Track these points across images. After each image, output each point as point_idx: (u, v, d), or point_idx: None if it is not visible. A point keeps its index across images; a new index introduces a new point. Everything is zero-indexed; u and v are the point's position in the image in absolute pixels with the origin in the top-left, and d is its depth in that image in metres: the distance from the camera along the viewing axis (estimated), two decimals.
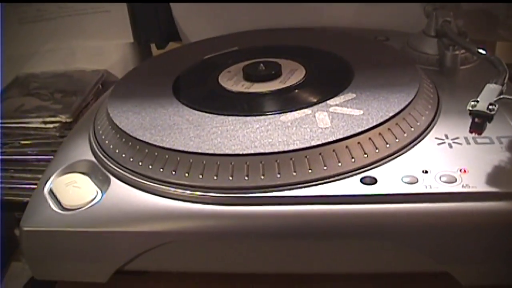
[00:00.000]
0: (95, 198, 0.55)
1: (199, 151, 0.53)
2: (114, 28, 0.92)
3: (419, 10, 0.77)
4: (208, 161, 0.52)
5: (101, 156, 0.59)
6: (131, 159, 0.56)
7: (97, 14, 0.91)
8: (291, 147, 0.52)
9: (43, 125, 0.78)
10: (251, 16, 0.87)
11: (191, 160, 0.52)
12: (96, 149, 0.60)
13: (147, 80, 0.71)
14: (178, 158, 0.53)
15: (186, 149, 0.53)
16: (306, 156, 0.51)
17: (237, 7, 0.87)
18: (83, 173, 0.59)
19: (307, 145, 0.52)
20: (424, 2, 0.73)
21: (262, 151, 0.52)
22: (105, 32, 0.92)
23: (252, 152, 0.52)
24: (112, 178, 0.56)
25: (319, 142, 0.52)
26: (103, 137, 0.60)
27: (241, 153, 0.52)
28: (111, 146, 0.58)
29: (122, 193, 0.54)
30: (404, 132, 0.55)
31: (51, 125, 0.78)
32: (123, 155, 0.57)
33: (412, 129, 0.55)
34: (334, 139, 0.52)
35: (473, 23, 0.81)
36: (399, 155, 0.54)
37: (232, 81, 0.66)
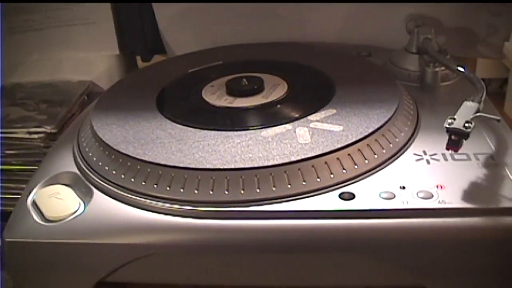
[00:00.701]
0: (77, 210, 0.55)
1: (181, 165, 0.53)
2: (100, 39, 0.92)
3: (402, 27, 0.78)
4: (189, 175, 0.53)
5: (85, 168, 0.59)
6: (114, 172, 0.56)
7: (84, 26, 0.92)
8: (271, 163, 0.52)
9: (27, 136, 0.78)
10: (236, 30, 0.88)
11: (172, 174, 0.53)
12: (79, 161, 0.60)
13: (131, 93, 0.71)
14: (160, 172, 0.54)
15: (167, 163, 0.54)
16: (285, 172, 0.52)
17: (222, 21, 0.88)
18: (66, 185, 0.59)
19: (287, 160, 0.52)
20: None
21: (242, 166, 0.52)
22: (91, 43, 0.93)
23: (233, 167, 0.52)
24: (95, 191, 0.56)
25: (299, 158, 0.52)
26: (86, 149, 0.61)
27: (221, 167, 0.52)
28: (95, 159, 0.59)
29: (104, 205, 0.55)
30: (383, 148, 0.55)
31: (36, 136, 0.78)
32: (106, 168, 0.57)
33: (391, 145, 0.56)
34: (314, 154, 0.53)
35: (454, 39, 0.82)
36: (378, 171, 0.54)
37: (215, 96, 0.66)
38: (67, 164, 0.62)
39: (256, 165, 0.52)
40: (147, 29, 0.91)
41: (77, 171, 0.60)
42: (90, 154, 0.60)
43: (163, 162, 0.54)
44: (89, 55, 0.93)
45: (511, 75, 1.00)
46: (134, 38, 0.92)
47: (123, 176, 0.55)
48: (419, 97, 0.67)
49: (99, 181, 0.57)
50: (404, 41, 0.75)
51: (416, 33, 0.73)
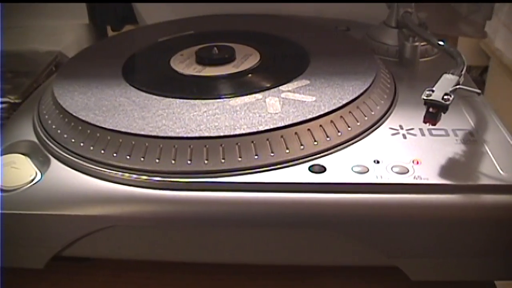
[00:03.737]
0: (33, 179, 0.52)
1: (142, 132, 0.50)
2: (69, 8, 0.90)
3: (380, 4, 0.75)
4: (151, 144, 0.50)
5: (43, 136, 0.56)
6: (73, 140, 0.53)
7: None
8: (238, 132, 0.50)
9: None
10: (210, 2, 0.85)
11: (133, 142, 0.50)
12: (38, 129, 0.58)
13: (97, 61, 0.68)
14: (120, 140, 0.51)
15: (128, 131, 0.51)
16: (252, 142, 0.49)
17: None
18: (23, 154, 0.56)
19: (254, 130, 0.50)
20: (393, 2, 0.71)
21: (207, 134, 0.50)
22: (60, 11, 0.90)
23: (197, 135, 0.49)
24: (53, 160, 0.54)
25: (267, 127, 0.50)
26: (46, 117, 0.58)
27: (184, 136, 0.50)
28: (54, 127, 0.56)
29: (62, 174, 0.52)
30: (357, 121, 0.53)
31: None
32: (65, 136, 0.54)
33: (366, 118, 0.54)
34: (283, 124, 0.50)
35: (435, 17, 0.80)
36: (351, 144, 0.52)
37: (184, 64, 0.63)
38: (26, 133, 0.59)
39: (221, 134, 0.49)
40: None
41: (36, 140, 0.57)
42: (50, 122, 0.57)
43: (123, 130, 0.51)
44: (57, 23, 0.90)
45: (491, 62, 0.98)
46: (104, 7, 0.89)
47: (82, 145, 0.53)
48: (397, 72, 0.65)
49: (57, 149, 0.54)
50: (384, 17, 0.73)
51: (396, 7, 0.70)
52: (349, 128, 0.52)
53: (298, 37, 0.70)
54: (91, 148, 0.52)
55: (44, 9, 0.89)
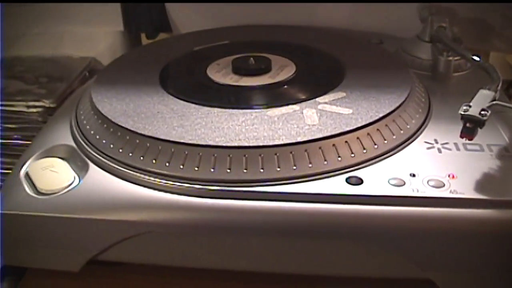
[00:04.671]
0: (72, 183, 0.53)
1: (182, 140, 0.51)
2: (104, 15, 0.90)
3: (414, 15, 0.75)
4: (190, 152, 0.51)
5: (81, 141, 0.57)
6: (111, 146, 0.54)
7: (88, 2, 0.89)
8: (276, 142, 0.50)
9: (26, 109, 0.76)
10: (244, 12, 0.86)
11: (172, 150, 0.51)
12: (76, 134, 0.58)
13: (134, 68, 0.69)
14: (160, 147, 0.51)
15: (168, 138, 0.52)
16: (291, 152, 0.50)
17: (231, 3, 0.85)
18: (61, 158, 0.57)
19: (293, 140, 0.50)
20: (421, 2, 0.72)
21: (246, 144, 0.50)
22: (95, 18, 0.91)
23: (236, 144, 0.50)
24: (91, 164, 0.54)
25: (305, 139, 0.50)
26: (84, 122, 0.59)
27: (224, 145, 0.50)
28: (92, 132, 0.57)
29: (100, 180, 0.53)
30: (393, 134, 0.53)
31: (34, 110, 0.76)
32: (104, 141, 0.55)
33: (402, 131, 0.54)
34: (321, 136, 0.51)
35: (468, 31, 0.80)
36: (387, 157, 0.52)
37: (221, 74, 0.64)
38: (64, 137, 0.60)
39: (261, 144, 0.50)
40: (153, 6, 0.89)
41: (74, 144, 0.58)
42: (88, 127, 0.58)
43: (163, 137, 0.52)
44: (92, 30, 0.91)
45: None
46: (139, 14, 0.89)
47: (120, 150, 0.53)
48: (431, 86, 0.65)
49: (95, 154, 0.55)
50: (416, 31, 0.73)
51: (430, 21, 0.70)
52: (385, 141, 0.52)
53: (333, 49, 0.70)
54: (130, 154, 0.53)
55: (78, 15, 0.90)
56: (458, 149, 0.53)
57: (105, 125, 0.56)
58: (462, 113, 0.50)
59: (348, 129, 0.52)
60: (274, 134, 0.51)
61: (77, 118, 0.61)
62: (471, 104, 0.50)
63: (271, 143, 0.50)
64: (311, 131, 0.51)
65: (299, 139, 0.50)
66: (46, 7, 0.89)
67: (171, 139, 0.51)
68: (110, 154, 0.54)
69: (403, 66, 0.65)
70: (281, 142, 0.50)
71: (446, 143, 0.54)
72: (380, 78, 0.62)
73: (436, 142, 0.54)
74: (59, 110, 0.70)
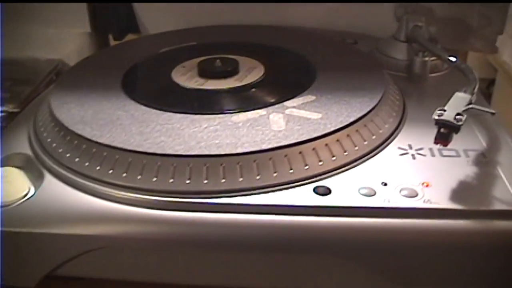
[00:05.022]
0: (26, 194, 0.50)
1: (139, 149, 0.48)
2: (71, 16, 0.87)
3: (390, 14, 0.73)
4: (148, 161, 0.48)
5: (38, 150, 0.54)
6: (68, 155, 0.51)
7: (54, 2, 0.86)
8: (239, 150, 0.47)
9: None
10: (214, 11, 0.83)
11: (130, 159, 0.48)
12: (33, 142, 0.56)
13: (97, 71, 0.66)
14: (117, 156, 0.49)
15: (125, 147, 0.49)
16: (255, 161, 0.47)
17: (200, 3, 0.82)
18: (18, 167, 0.54)
19: (257, 148, 0.47)
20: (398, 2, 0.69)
21: (206, 152, 0.47)
22: (61, 19, 0.88)
23: (196, 153, 0.47)
24: (47, 174, 0.52)
25: (270, 146, 0.48)
26: (42, 129, 0.56)
27: (183, 154, 0.47)
28: (49, 140, 0.54)
29: (55, 190, 0.50)
30: (365, 140, 0.51)
31: None
32: (60, 150, 0.52)
33: (374, 137, 0.51)
34: (287, 143, 0.48)
35: (445, 30, 0.77)
36: (358, 165, 0.50)
37: (186, 77, 0.61)
38: (21, 145, 0.57)
39: (222, 153, 0.47)
40: (120, 6, 0.86)
41: (30, 153, 0.55)
42: (45, 135, 0.55)
43: (120, 146, 0.49)
44: (58, 31, 0.88)
45: (498, 75, 0.96)
46: (106, 15, 0.87)
47: (77, 160, 0.51)
48: (406, 88, 0.62)
49: (51, 164, 0.52)
50: (393, 30, 0.71)
51: (406, 20, 0.68)
52: (356, 148, 0.50)
53: (304, 49, 0.68)
54: (86, 164, 0.50)
55: (45, 16, 0.87)
56: (433, 155, 0.51)
57: (62, 133, 0.53)
58: (436, 117, 0.47)
59: (316, 135, 0.49)
60: (237, 142, 0.48)
61: (35, 125, 0.58)
62: (445, 108, 0.48)
63: (233, 151, 0.47)
64: (277, 138, 0.48)
65: (264, 147, 0.48)
66: (10, 7, 0.86)
67: (128, 148, 0.49)
68: (66, 163, 0.51)
69: (377, 67, 0.63)
70: (244, 150, 0.47)
71: (421, 148, 0.52)
72: (353, 80, 0.59)
73: (410, 147, 0.52)
74: (20, 115, 0.67)
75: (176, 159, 0.48)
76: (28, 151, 0.56)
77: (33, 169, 0.53)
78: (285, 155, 0.48)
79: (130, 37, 0.91)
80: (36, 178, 0.52)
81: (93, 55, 0.74)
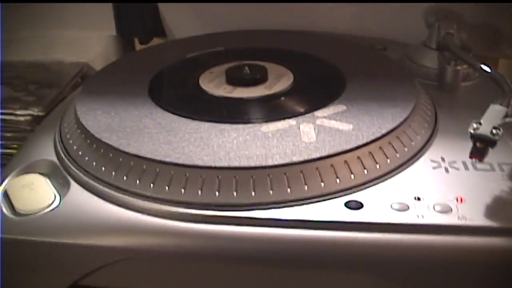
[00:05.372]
0: (52, 203, 0.50)
1: (167, 160, 0.47)
2: (96, 18, 0.87)
3: (420, 20, 0.71)
4: (176, 172, 0.47)
5: (64, 157, 0.54)
6: (94, 163, 0.51)
7: (79, 3, 0.85)
8: (270, 162, 0.46)
9: (13, 117, 0.72)
10: (242, 15, 0.82)
11: (157, 170, 0.47)
12: (59, 148, 0.55)
13: (123, 77, 0.65)
14: (144, 167, 0.48)
15: (152, 157, 0.48)
16: (285, 173, 0.46)
17: (227, 5, 0.82)
18: (43, 174, 0.53)
19: (288, 161, 0.46)
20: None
21: (236, 164, 0.46)
22: (86, 22, 0.87)
23: (226, 165, 0.46)
24: (72, 183, 0.51)
25: (301, 159, 0.47)
26: (68, 136, 0.55)
27: (212, 165, 0.46)
28: (75, 147, 0.53)
29: (81, 200, 0.49)
30: (397, 152, 0.50)
31: (22, 118, 0.72)
32: (86, 158, 0.51)
33: (406, 149, 0.50)
34: (319, 156, 0.47)
35: (476, 37, 0.76)
36: (390, 177, 0.48)
37: (213, 84, 0.60)
38: (46, 151, 0.56)
39: (252, 165, 0.46)
40: (146, 10, 0.85)
41: (56, 160, 0.54)
42: (71, 142, 0.54)
43: (147, 156, 0.48)
44: (84, 34, 0.88)
45: None
46: (132, 18, 0.86)
47: (103, 169, 0.50)
48: (437, 97, 0.61)
49: (77, 172, 0.51)
50: (422, 36, 0.69)
51: (437, 27, 0.66)
52: (388, 160, 0.49)
53: (333, 56, 0.66)
54: (113, 173, 0.49)
55: (70, 19, 0.87)
56: (466, 168, 0.49)
57: (88, 141, 0.53)
58: (472, 131, 0.45)
59: (347, 147, 0.48)
60: (267, 153, 0.47)
61: (60, 131, 0.57)
62: (481, 121, 0.46)
63: (263, 164, 0.46)
64: (308, 150, 0.47)
65: (294, 159, 0.46)
66: (35, 9, 0.86)
67: (156, 158, 0.48)
68: (93, 172, 0.50)
69: (408, 75, 0.61)
70: (274, 162, 0.46)
71: (454, 161, 0.50)
72: (383, 89, 0.58)
73: (443, 160, 0.50)
74: (45, 120, 0.66)
75: (205, 171, 0.47)
76: (54, 158, 0.55)
77: (58, 176, 0.53)
78: (316, 168, 0.47)
79: (156, 41, 0.91)
80: (61, 186, 0.52)
81: (118, 60, 0.73)
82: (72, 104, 0.60)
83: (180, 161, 0.47)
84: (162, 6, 0.85)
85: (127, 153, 0.49)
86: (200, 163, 0.47)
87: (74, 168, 0.52)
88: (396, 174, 0.49)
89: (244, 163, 0.46)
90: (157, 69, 0.66)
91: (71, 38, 0.88)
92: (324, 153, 0.47)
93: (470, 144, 0.47)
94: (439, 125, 0.56)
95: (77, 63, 0.86)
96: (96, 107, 0.57)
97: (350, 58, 0.66)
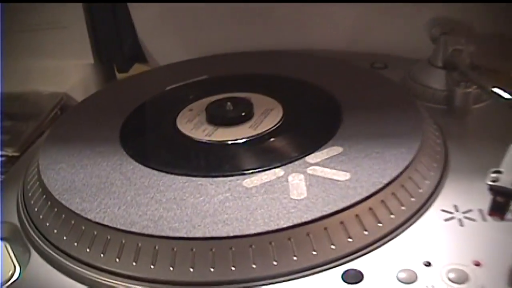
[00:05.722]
0: (12, 275, 0.44)
1: (133, 229, 0.41)
2: (72, 46, 0.81)
3: (424, 34, 0.64)
4: (144, 244, 0.40)
5: (25, 221, 0.48)
6: (55, 231, 0.45)
7: (54, 31, 0.80)
8: (252, 230, 0.39)
9: None
10: (229, 36, 0.77)
11: (123, 241, 0.41)
12: (21, 209, 0.50)
13: (95, 117, 0.60)
14: (108, 237, 0.42)
15: (117, 226, 0.41)
16: (270, 243, 0.39)
17: (211, 25, 0.76)
18: (5, 238, 0.48)
19: (273, 227, 0.40)
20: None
21: (214, 234, 0.39)
22: (62, 50, 0.82)
23: (200, 235, 0.39)
24: (33, 252, 0.46)
25: (289, 224, 0.40)
26: (29, 194, 0.50)
27: (185, 236, 0.40)
28: (36, 209, 0.48)
29: (41, 274, 0.44)
30: (402, 205, 0.43)
31: None
32: (47, 224, 0.46)
33: (413, 199, 0.43)
34: (310, 218, 0.40)
35: (486, 48, 0.69)
36: (394, 237, 0.42)
37: (192, 124, 0.54)
38: (10, 210, 0.51)
39: (231, 234, 0.39)
40: (123, 35, 0.79)
41: (17, 223, 0.49)
42: (32, 203, 0.49)
43: (111, 224, 0.41)
44: (61, 63, 0.82)
45: None
46: (109, 44, 0.79)
47: (65, 238, 0.44)
48: (446, 125, 0.54)
49: (38, 240, 0.46)
50: (427, 50, 0.63)
51: (443, 43, 0.60)
52: (392, 216, 0.42)
53: (327, 82, 0.60)
54: (75, 244, 0.43)
55: (46, 48, 0.81)
56: (484, 219, 0.43)
57: (49, 202, 0.47)
58: (490, 183, 0.38)
59: (344, 205, 0.41)
60: (249, 217, 0.40)
61: (24, 188, 0.52)
62: (501, 169, 0.39)
63: (244, 232, 0.39)
64: (297, 211, 0.41)
65: (281, 224, 0.40)
66: (8, 39, 0.79)
67: (121, 228, 0.41)
68: (53, 241, 0.45)
69: (413, 104, 0.54)
70: (257, 230, 0.39)
71: (469, 210, 0.43)
72: (385, 122, 0.52)
73: (456, 209, 0.44)
74: (17, 164, 0.62)
75: (176, 242, 0.40)
76: (15, 221, 0.50)
77: (19, 243, 0.47)
78: (307, 234, 0.40)
79: (137, 67, 0.84)
80: (22, 255, 0.47)
81: (91, 96, 0.66)
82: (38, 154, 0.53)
83: (149, 231, 0.40)
84: (140, 29, 0.79)
85: (89, 220, 0.43)
86: (171, 233, 0.40)
87: (34, 235, 0.47)
88: (402, 232, 0.42)
89: (221, 232, 0.40)
90: (133, 107, 0.60)
91: (48, 67, 0.83)
92: (316, 214, 0.40)
93: (485, 185, 0.39)
94: (450, 162, 0.49)
95: (55, 93, 0.81)
96: (60, 159, 0.52)
97: (346, 84, 0.60)
